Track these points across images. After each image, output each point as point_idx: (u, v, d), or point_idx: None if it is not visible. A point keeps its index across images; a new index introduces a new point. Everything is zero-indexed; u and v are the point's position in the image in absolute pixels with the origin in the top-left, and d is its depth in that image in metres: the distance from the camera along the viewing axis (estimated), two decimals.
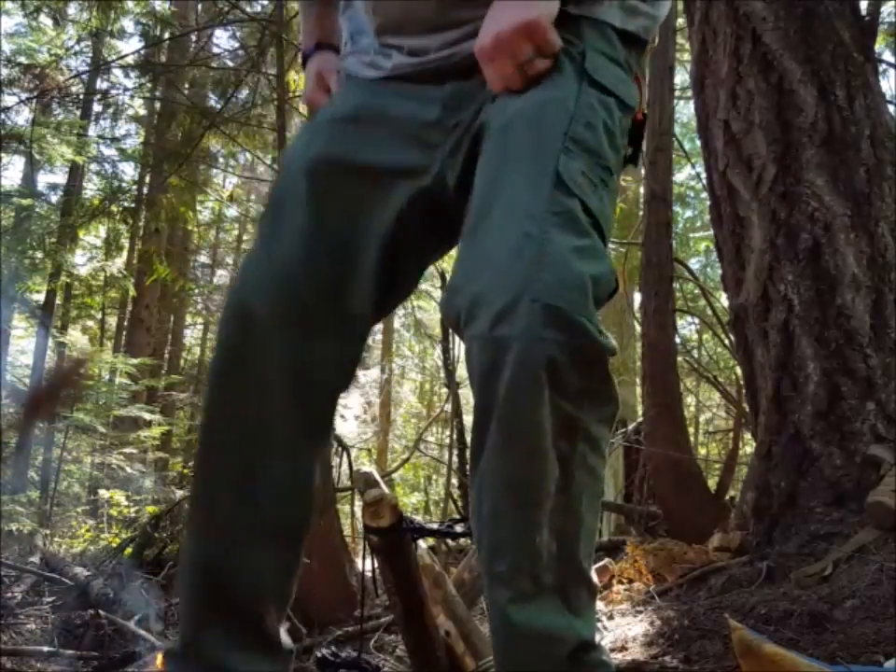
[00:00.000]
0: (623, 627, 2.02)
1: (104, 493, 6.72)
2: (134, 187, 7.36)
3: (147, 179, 7.66)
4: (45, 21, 7.35)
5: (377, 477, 1.50)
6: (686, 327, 8.08)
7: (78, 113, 7.44)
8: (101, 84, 8.21)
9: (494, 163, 0.95)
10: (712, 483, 4.13)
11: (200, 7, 7.11)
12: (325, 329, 1.04)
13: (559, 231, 0.87)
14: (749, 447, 5.19)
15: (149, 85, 6.34)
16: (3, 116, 5.93)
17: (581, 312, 0.83)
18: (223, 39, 10.78)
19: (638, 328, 5.15)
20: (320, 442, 1.12)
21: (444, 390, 7.49)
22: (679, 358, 4.48)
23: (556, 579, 0.84)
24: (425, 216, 1.06)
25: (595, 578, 0.91)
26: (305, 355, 1.03)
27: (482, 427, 0.86)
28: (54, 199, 8.32)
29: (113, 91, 7.56)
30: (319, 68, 1.24)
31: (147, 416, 7.57)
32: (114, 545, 4.77)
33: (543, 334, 0.81)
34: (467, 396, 6.55)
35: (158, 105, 7.77)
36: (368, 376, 9.70)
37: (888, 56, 5.63)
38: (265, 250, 1.07)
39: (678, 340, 4.70)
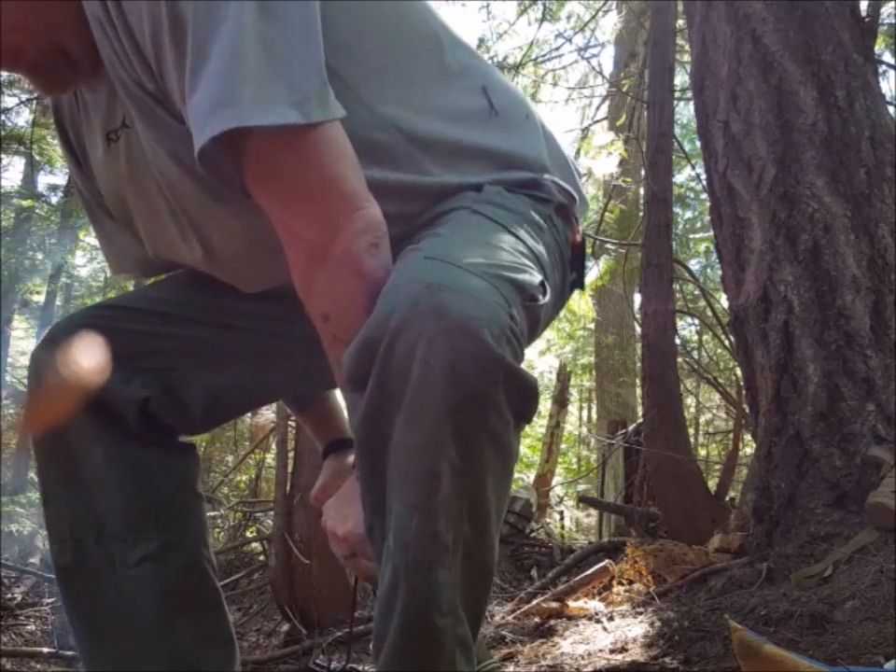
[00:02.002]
0: (623, 628, 2.02)
1: None
2: None
3: None
4: None
5: None
6: (686, 328, 8.07)
7: None
8: None
9: None
10: (712, 484, 4.13)
11: None
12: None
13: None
14: (749, 448, 5.19)
15: None
16: (3, 117, 5.93)
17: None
18: None
19: (638, 329, 5.15)
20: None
21: None
22: (680, 359, 4.47)
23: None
24: None
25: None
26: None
27: None
28: (54, 200, 8.31)
29: None
30: (330, 475, 1.26)
31: None
32: None
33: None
34: None
35: None
36: None
37: (887, 57, 5.63)
38: None
39: (678, 341, 4.70)
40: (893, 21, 5.79)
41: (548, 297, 0.90)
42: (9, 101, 5.88)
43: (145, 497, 1.08)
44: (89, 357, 1.00)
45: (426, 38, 1.02)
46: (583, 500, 5.91)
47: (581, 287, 1.14)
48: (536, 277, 0.88)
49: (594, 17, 7.30)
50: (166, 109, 0.88)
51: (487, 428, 0.77)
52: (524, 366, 0.81)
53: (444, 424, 0.75)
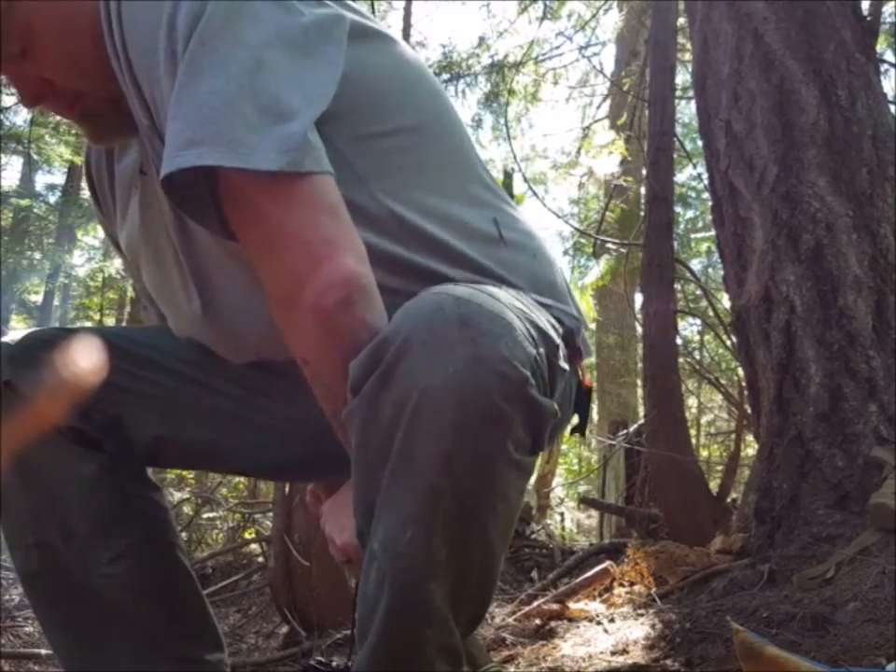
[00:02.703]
0: (624, 630, 2.01)
1: None
2: None
3: None
4: None
5: None
6: (687, 328, 8.08)
7: None
8: None
9: None
10: (714, 484, 4.12)
11: None
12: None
13: None
14: (750, 449, 5.18)
15: None
16: (1, 116, 5.93)
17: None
18: None
19: (639, 329, 5.14)
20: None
21: None
22: (681, 360, 4.47)
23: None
24: None
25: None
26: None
27: None
28: (52, 199, 8.30)
29: None
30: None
31: None
32: None
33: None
34: None
35: None
36: None
37: (889, 56, 5.62)
38: None
39: (679, 341, 4.69)
40: (895, 20, 5.79)
41: (568, 369, 0.86)
42: (8, 100, 5.87)
43: (107, 494, 1.05)
44: (72, 375, 0.97)
45: (454, 155, 1.00)
46: (584, 501, 5.90)
47: (582, 433, 1.08)
48: (558, 341, 0.85)
49: (594, 15, 7.30)
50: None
51: (500, 447, 0.74)
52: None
53: (456, 437, 0.72)
